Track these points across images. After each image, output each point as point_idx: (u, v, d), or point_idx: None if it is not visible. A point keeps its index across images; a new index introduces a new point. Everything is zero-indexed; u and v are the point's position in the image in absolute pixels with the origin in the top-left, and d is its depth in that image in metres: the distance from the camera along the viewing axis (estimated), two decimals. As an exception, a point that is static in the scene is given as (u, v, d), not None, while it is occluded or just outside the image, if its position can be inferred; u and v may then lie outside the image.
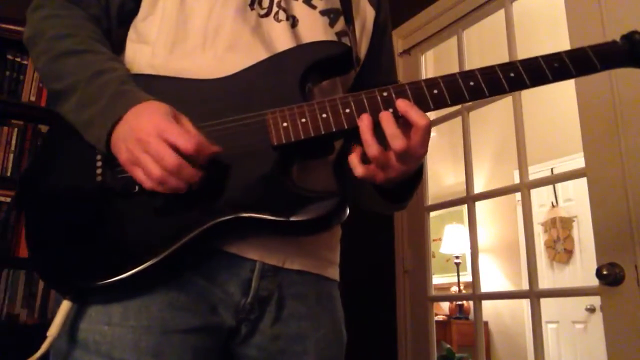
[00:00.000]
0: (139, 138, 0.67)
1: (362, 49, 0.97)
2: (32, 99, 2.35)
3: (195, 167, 0.67)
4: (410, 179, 0.78)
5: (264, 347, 0.80)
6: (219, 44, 0.81)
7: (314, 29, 0.88)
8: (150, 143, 0.66)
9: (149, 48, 0.83)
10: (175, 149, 0.66)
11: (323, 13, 0.90)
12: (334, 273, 0.92)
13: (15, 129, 2.31)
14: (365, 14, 0.99)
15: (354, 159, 0.73)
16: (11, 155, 2.28)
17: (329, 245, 0.91)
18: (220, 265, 0.77)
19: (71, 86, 0.75)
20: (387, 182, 0.76)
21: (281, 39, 0.84)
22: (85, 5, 0.84)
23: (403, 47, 2.50)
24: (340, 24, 0.91)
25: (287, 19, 0.86)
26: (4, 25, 2.27)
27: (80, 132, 0.75)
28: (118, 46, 0.86)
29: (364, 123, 0.71)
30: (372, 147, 0.70)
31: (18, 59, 2.36)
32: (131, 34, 0.87)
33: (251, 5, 0.85)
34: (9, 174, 2.26)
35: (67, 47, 0.78)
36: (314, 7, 0.89)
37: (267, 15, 0.85)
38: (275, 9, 0.86)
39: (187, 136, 0.66)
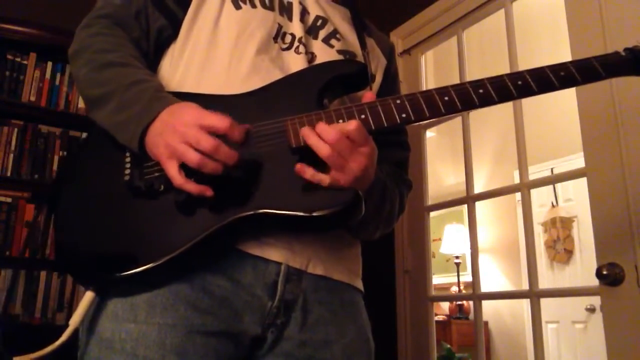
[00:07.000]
0: (177, 129, 0.72)
1: (377, 77, 1.03)
2: (32, 99, 2.34)
3: (230, 147, 0.71)
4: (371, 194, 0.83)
5: (291, 354, 0.80)
6: (242, 67, 0.87)
7: None
8: (188, 131, 0.71)
9: (180, 70, 0.90)
10: (212, 133, 0.70)
11: (340, 52, 0.96)
12: (357, 282, 0.93)
13: (15, 129, 2.31)
14: (378, 60, 1.05)
15: (316, 174, 0.74)
16: (11, 155, 2.27)
17: (350, 256, 0.93)
18: (246, 268, 0.79)
19: (110, 92, 0.80)
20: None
21: (297, 68, 0.88)
22: (128, 28, 0.91)
23: (403, 47, 2.50)
24: None
25: (306, 53, 0.93)
26: (4, 25, 2.27)
27: (113, 134, 0.80)
28: (152, 71, 0.91)
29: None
30: (322, 147, 0.73)
31: (18, 59, 2.35)
32: (166, 59, 0.93)
33: (275, 38, 0.92)
34: (9, 174, 2.25)
35: (110, 59, 0.84)
36: (331, 46, 0.97)
37: (288, 49, 0.92)
38: (296, 44, 0.93)
39: (220, 117, 0.72)
